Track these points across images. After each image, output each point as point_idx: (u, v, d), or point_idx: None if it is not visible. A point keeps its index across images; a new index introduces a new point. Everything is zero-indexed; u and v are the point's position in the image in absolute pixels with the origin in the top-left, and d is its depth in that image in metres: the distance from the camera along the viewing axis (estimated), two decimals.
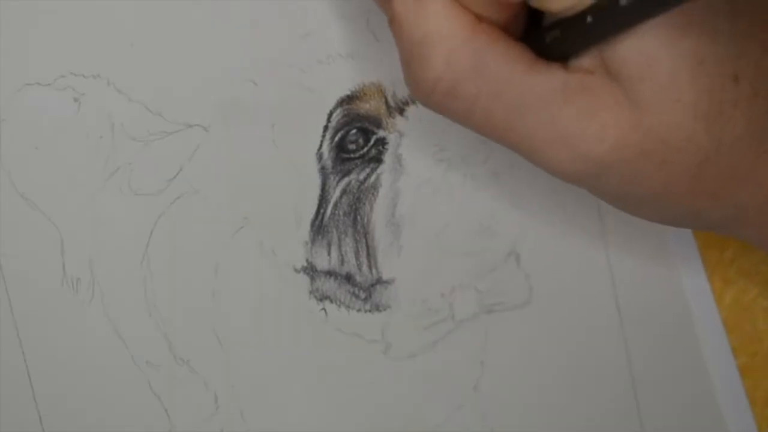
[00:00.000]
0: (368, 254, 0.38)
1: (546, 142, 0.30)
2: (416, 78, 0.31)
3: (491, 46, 0.30)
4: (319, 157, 0.37)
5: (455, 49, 0.30)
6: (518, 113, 0.30)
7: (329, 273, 0.38)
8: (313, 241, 0.37)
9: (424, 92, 0.31)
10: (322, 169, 0.37)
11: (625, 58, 0.29)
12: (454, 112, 0.31)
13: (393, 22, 0.31)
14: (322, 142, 0.37)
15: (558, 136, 0.30)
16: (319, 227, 0.37)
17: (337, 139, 0.37)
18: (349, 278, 0.38)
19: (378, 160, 0.37)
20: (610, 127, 0.30)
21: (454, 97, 0.31)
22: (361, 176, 0.37)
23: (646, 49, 0.29)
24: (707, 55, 0.29)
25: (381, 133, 0.37)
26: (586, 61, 0.30)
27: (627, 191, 0.31)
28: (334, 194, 0.37)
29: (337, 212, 0.37)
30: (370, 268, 0.38)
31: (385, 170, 0.37)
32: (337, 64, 0.37)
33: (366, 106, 0.37)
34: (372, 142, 0.37)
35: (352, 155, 0.37)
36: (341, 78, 0.37)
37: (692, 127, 0.29)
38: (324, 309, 0.38)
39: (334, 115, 0.37)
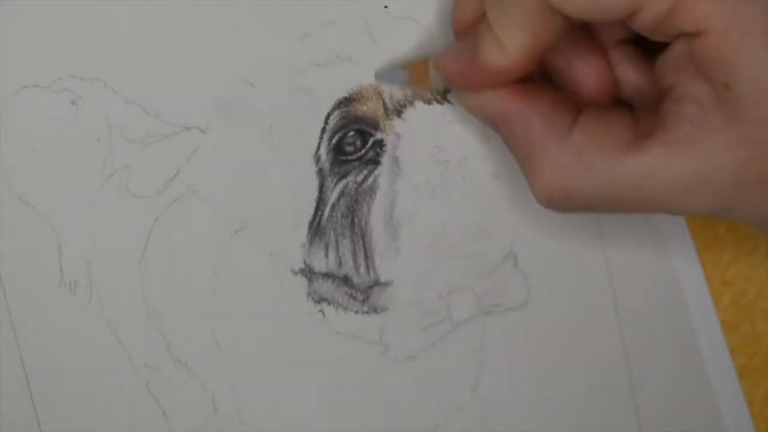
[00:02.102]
0: (366, 256, 0.38)
1: (674, 200, 0.32)
2: (535, 192, 0.33)
3: (587, 140, 0.32)
4: (317, 159, 0.37)
5: (557, 155, 0.32)
6: (637, 190, 0.32)
7: (327, 275, 0.38)
8: (310, 243, 0.37)
9: (545, 201, 0.33)
10: (320, 171, 0.37)
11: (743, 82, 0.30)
12: (579, 209, 0.33)
13: (505, 140, 0.34)
14: (319, 144, 0.37)
15: (680, 190, 0.32)
16: (316, 229, 0.37)
17: (334, 141, 0.37)
18: (346, 280, 0.38)
19: (375, 162, 0.37)
20: (729, 166, 0.31)
21: (570, 198, 0.33)
22: (359, 178, 0.37)
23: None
24: None
25: (378, 135, 0.37)
26: (687, 102, 0.32)
27: (762, 215, 0.32)
28: (332, 196, 0.37)
29: (334, 214, 0.37)
30: (367, 270, 0.38)
31: (382, 172, 0.37)
32: (335, 67, 0.37)
33: (363, 108, 0.37)
34: (369, 144, 0.37)
35: (349, 157, 0.37)
36: (339, 80, 0.37)
37: None
38: (322, 311, 0.38)
39: (332, 117, 0.37)
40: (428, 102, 0.38)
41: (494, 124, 0.34)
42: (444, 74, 0.34)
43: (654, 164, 0.32)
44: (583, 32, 0.34)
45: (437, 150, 0.38)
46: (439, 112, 0.38)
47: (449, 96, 0.37)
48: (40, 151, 0.36)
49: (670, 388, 0.40)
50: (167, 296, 0.37)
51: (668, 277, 0.40)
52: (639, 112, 0.34)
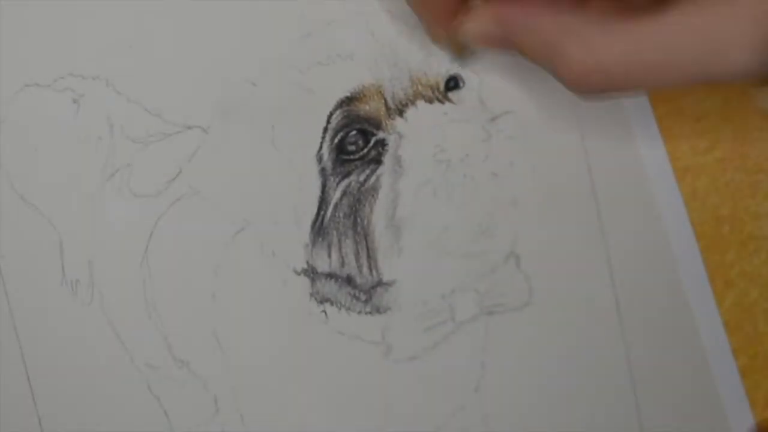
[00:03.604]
0: (368, 256, 0.38)
1: (714, 60, 0.31)
2: (571, 79, 0.32)
3: (605, 9, 0.31)
4: (319, 158, 0.37)
5: (580, 34, 0.32)
6: (671, 54, 0.31)
7: (329, 275, 0.38)
8: (313, 243, 0.37)
9: (583, 83, 0.32)
10: (322, 170, 0.37)
11: None
12: (618, 85, 0.32)
13: (525, 53, 0.33)
14: (321, 143, 0.37)
15: (721, 48, 0.31)
16: (319, 229, 0.37)
17: (336, 140, 0.37)
18: (349, 280, 0.38)
19: (378, 161, 0.37)
20: (761, 11, 0.30)
21: (606, 72, 0.32)
22: (361, 178, 0.37)
23: None
24: None
25: (380, 135, 0.37)
26: None
27: None
28: (335, 196, 0.37)
29: (337, 214, 0.37)
30: (370, 270, 0.38)
31: (384, 172, 0.37)
32: (337, 66, 0.37)
33: (366, 108, 0.37)
34: (372, 143, 0.37)
35: (351, 157, 0.37)
36: (341, 79, 0.37)
37: None
38: (324, 311, 0.38)
39: (334, 116, 0.37)
40: (430, 101, 0.37)
41: (507, 43, 0.34)
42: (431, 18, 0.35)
43: (686, 23, 0.31)
44: None
45: (439, 149, 0.38)
46: (441, 111, 0.38)
47: (450, 95, 0.37)
48: (41, 150, 0.35)
49: (671, 389, 0.40)
50: (169, 296, 0.37)
51: (670, 276, 0.40)
52: None
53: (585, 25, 0.32)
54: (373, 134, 0.37)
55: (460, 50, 0.37)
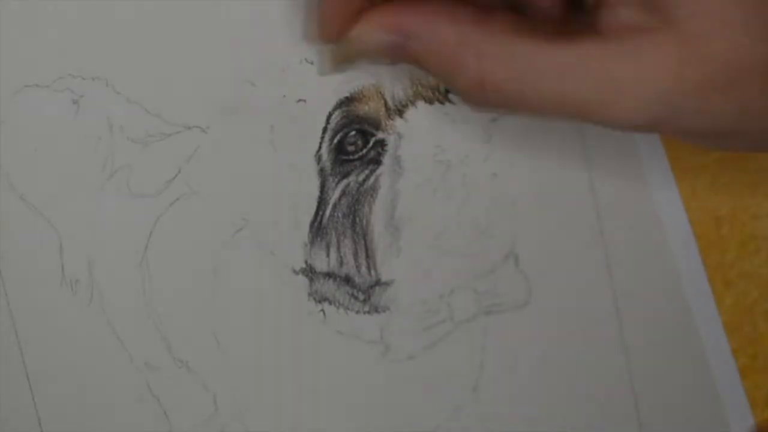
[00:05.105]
0: (367, 256, 0.38)
1: (604, 103, 0.30)
2: (464, 89, 0.32)
3: (510, 27, 0.31)
4: (318, 158, 0.37)
5: (479, 47, 0.31)
6: (564, 84, 0.31)
7: (328, 275, 0.38)
8: (312, 242, 0.37)
9: (477, 92, 0.32)
10: (321, 170, 0.37)
11: None
12: (509, 103, 0.32)
13: (418, 61, 0.32)
14: (321, 143, 0.37)
15: (612, 92, 0.30)
16: (318, 229, 0.37)
17: (336, 140, 0.37)
18: (348, 280, 0.38)
19: (377, 161, 0.37)
20: (662, 67, 0.30)
21: (500, 88, 0.31)
22: (360, 178, 0.37)
23: None
24: None
25: (380, 135, 0.37)
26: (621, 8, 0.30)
27: (703, 125, 0.31)
28: (333, 196, 0.37)
29: (336, 214, 0.37)
30: (369, 269, 0.38)
31: (384, 172, 0.37)
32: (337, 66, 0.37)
33: (365, 108, 0.37)
34: (371, 143, 0.37)
35: (351, 157, 0.37)
36: (340, 79, 0.37)
37: (749, 44, 0.29)
38: (323, 311, 0.38)
39: (333, 116, 0.37)
40: (430, 101, 0.37)
41: (401, 52, 0.33)
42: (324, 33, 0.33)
43: (585, 59, 0.30)
44: None
45: (439, 150, 0.38)
46: (440, 111, 0.38)
47: (450, 96, 0.37)
48: (41, 150, 0.36)
49: (671, 389, 0.40)
50: (168, 296, 0.37)
51: (670, 276, 0.40)
52: (567, 17, 0.33)
53: (486, 41, 0.31)
54: (373, 134, 0.37)
55: (341, 58, 0.35)
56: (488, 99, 0.32)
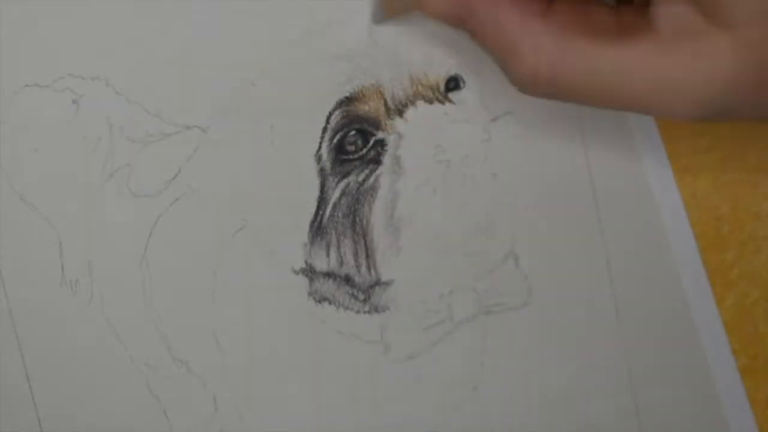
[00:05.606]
0: (367, 255, 0.38)
1: (658, 101, 0.31)
2: (517, 77, 0.32)
3: (569, 21, 0.32)
4: (318, 158, 0.37)
5: (538, 40, 0.32)
6: (621, 81, 0.31)
7: (328, 274, 0.38)
8: (312, 242, 0.37)
9: (530, 82, 0.32)
10: (321, 170, 0.37)
11: None
12: (561, 95, 0.32)
13: (476, 37, 0.33)
14: (321, 143, 0.37)
15: (667, 90, 0.31)
16: (318, 228, 0.37)
17: (336, 140, 0.37)
18: (348, 279, 0.38)
19: (377, 161, 0.37)
20: (720, 70, 0.30)
21: (555, 78, 0.32)
22: (360, 177, 0.37)
23: None
24: None
25: (380, 135, 0.37)
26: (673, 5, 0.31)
27: (761, 115, 0.32)
28: (333, 195, 0.37)
29: (336, 213, 0.37)
30: (369, 269, 0.38)
31: (383, 171, 0.37)
32: (337, 66, 0.37)
33: (365, 108, 0.37)
34: (371, 143, 0.37)
35: (351, 156, 0.37)
36: (340, 79, 0.37)
37: None
38: (323, 311, 0.38)
39: (333, 116, 0.37)
40: (430, 101, 0.37)
41: (461, 23, 0.33)
42: None
43: (641, 58, 0.31)
44: None
45: (439, 149, 0.38)
46: (440, 111, 0.38)
47: (450, 96, 0.37)
48: (41, 150, 0.36)
49: (671, 389, 0.40)
50: (168, 296, 0.37)
51: (670, 277, 0.40)
52: (623, 8, 0.33)
53: (545, 33, 0.32)
54: (373, 134, 0.37)
55: (400, 8, 0.35)
56: (540, 89, 0.33)
